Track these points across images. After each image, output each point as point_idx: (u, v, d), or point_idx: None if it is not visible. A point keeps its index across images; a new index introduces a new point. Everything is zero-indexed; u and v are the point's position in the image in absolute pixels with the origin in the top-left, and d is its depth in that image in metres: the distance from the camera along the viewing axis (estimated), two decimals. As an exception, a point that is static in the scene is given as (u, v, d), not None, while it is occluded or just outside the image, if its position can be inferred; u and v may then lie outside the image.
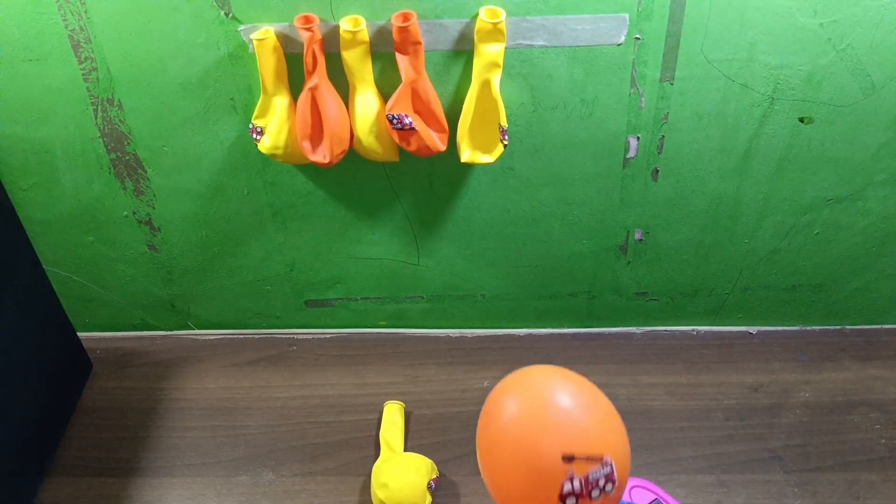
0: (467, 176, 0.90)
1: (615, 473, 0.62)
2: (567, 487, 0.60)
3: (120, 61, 0.80)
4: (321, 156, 0.81)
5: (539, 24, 0.76)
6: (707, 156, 0.87)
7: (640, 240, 0.96)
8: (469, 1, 0.75)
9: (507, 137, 0.81)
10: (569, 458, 0.60)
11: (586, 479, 0.60)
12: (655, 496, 0.80)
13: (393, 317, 1.06)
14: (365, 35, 0.75)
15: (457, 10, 0.76)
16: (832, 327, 1.05)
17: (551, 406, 0.65)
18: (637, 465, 0.89)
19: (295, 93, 0.81)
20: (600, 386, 0.66)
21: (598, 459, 0.60)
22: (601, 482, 0.61)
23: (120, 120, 0.85)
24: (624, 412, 0.65)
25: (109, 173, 0.90)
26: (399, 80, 0.78)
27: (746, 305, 1.03)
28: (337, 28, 0.76)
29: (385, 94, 0.81)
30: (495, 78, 0.77)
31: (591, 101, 0.82)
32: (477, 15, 0.75)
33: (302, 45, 0.76)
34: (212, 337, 1.07)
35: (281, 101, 0.80)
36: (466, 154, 0.82)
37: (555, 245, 0.97)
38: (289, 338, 1.07)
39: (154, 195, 0.92)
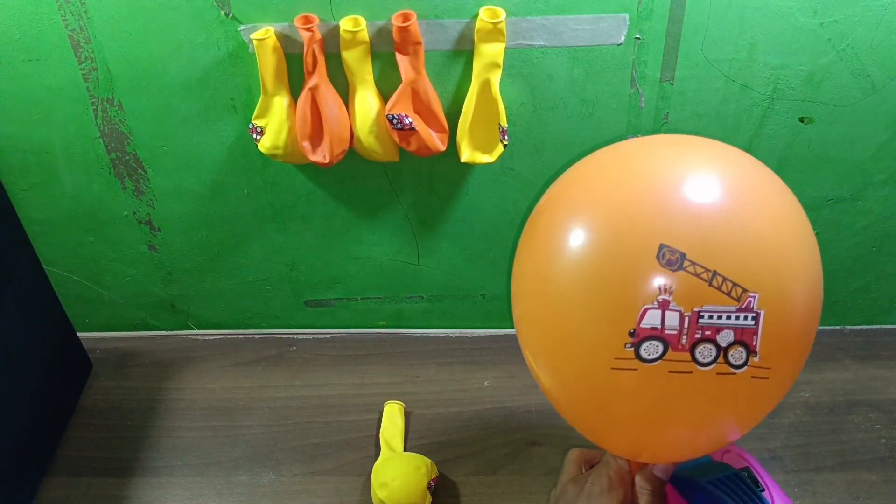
0: (467, 176, 0.90)
1: (758, 340, 0.32)
2: (651, 318, 0.33)
3: (120, 61, 0.80)
4: (321, 156, 0.81)
5: (539, 23, 0.76)
6: (707, 156, 0.87)
7: (640, 240, 0.96)
8: (469, 1, 0.75)
9: (507, 137, 0.81)
10: (672, 260, 0.32)
11: (695, 317, 0.33)
12: (747, 464, 0.76)
13: (393, 317, 1.06)
14: (365, 35, 0.75)
15: (457, 11, 0.76)
16: (832, 327, 1.05)
17: (671, 174, 0.36)
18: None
19: (295, 93, 0.81)
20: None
21: (734, 292, 0.32)
22: (726, 336, 0.33)
23: (120, 120, 0.85)
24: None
25: (109, 173, 0.90)
26: (399, 80, 0.78)
27: (746, 305, 1.03)
28: (337, 28, 0.76)
29: (385, 95, 0.81)
30: (495, 78, 0.77)
31: (591, 101, 0.82)
32: (477, 15, 0.75)
33: (302, 45, 0.76)
34: (212, 337, 1.07)
35: (281, 101, 0.80)
36: (466, 154, 0.82)
37: (555, 245, 0.97)
38: (289, 338, 1.07)
39: (154, 195, 0.92)
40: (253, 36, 0.75)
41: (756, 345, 0.34)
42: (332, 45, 0.77)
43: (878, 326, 1.05)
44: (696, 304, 0.32)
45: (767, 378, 0.36)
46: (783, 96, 0.82)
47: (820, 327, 1.03)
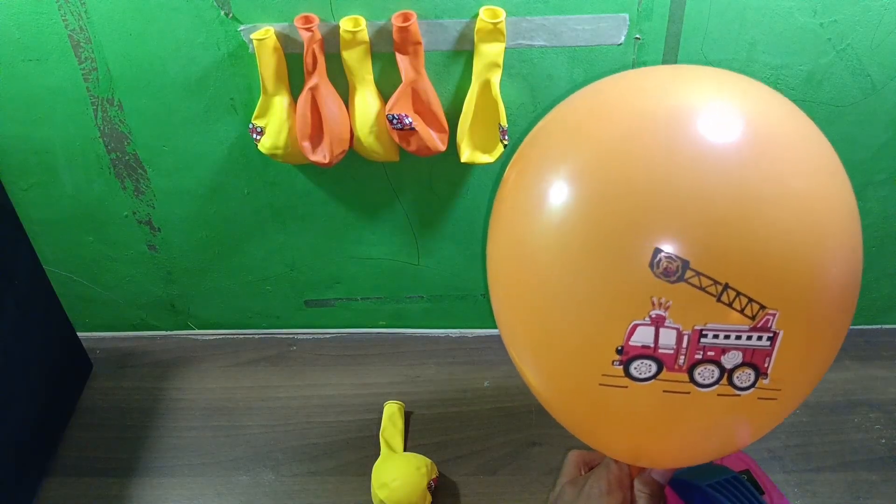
0: (467, 176, 0.90)
1: (771, 362, 0.27)
2: (642, 336, 0.27)
3: (120, 61, 0.80)
4: (321, 156, 0.81)
5: (539, 24, 0.76)
6: (707, 156, 0.87)
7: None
8: (469, 1, 0.75)
9: (507, 137, 0.81)
10: (670, 270, 0.26)
11: (696, 337, 0.26)
12: (747, 466, 0.76)
13: (393, 317, 1.06)
14: (365, 35, 0.75)
15: (457, 11, 0.76)
16: (832, 327, 1.05)
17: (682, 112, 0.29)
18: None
19: (295, 93, 0.81)
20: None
21: (749, 310, 0.25)
22: (732, 358, 0.27)
23: (120, 120, 0.85)
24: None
25: (109, 173, 0.89)
26: (399, 80, 0.78)
27: (746, 305, 1.03)
28: (337, 28, 0.76)
29: (385, 95, 0.81)
30: (495, 78, 0.77)
31: (591, 101, 0.82)
32: (477, 15, 0.75)
33: (302, 45, 0.76)
34: (212, 337, 1.07)
35: (281, 102, 0.80)
36: (466, 154, 0.81)
37: (555, 245, 0.96)
38: (289, 338, 1.07)
39: (154, 195, 0.92)
40: (253, 36, 0.75)
41: (768, 367, 0.27)
42: (332, 45, 0.77)
43: (879, 326, 1.05)
44: (698, 321, 0.25)
45: (776, 399, 0.30)
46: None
47: (820, 327, 1.04)
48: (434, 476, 0.85)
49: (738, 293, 0.25)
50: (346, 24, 0.75)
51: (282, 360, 1.04)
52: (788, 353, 0.27)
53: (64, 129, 0.85)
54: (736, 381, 0.28)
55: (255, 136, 0.81)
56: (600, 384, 0.30)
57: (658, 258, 0.25)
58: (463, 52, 0.79)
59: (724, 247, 0.25)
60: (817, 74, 0.80)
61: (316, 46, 0.76)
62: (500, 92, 0.78)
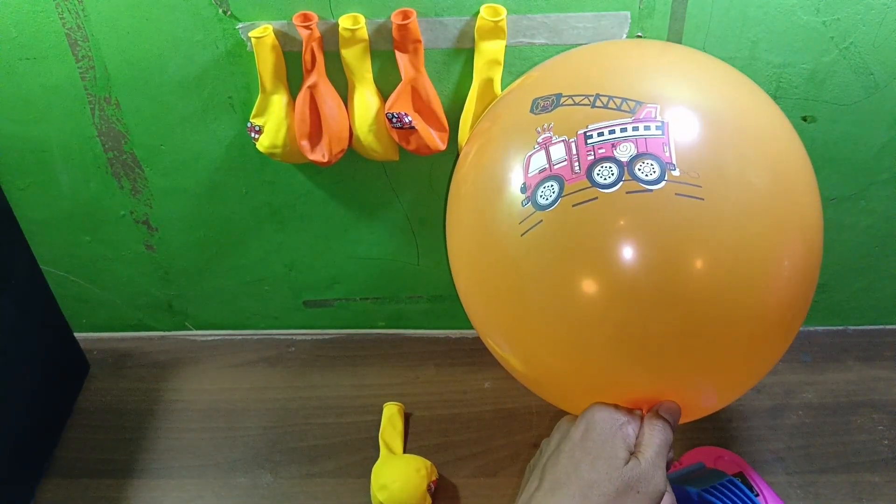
0: (467, 175, 0.89)
1: (672, 150, 0.29)
2: (536, 162, 0.29)
3: (117, 60, 0.80)
4: (320, 155, 0.80)
5: (540, 21, 0.75)
6: (709, 155, 0.87)
7: (642, 240, 0.95)
8: (469, -2, 0.75)
9: (507, 136, 0.80)
10: (546, 106, 0.29)
11: (582, 140, 0.29)
12: (739, 469, 0.76)
13: (392, 317, 1.05)
14: (364, 33, 0.75)
15: (457, 8, 0.75)
16: (835, 328, 1.04)
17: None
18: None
19: (293, 91, 0.80)
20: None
21: (626, 106, 0.27)
22: (626, 150, 0.28)
23: (117, 119, 0.84)
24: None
25: (107, 172, 0.89)
26: (399, 78, 0.77)
27: (748, 306, 1.02)
28: (336, 26, 0.75)
29: (384, 93, 0.80)
30: (496, 76, 0.77)
31: (593, 100, 0.82)
32: (477, 13, 0.74)
33: (300, 43, 0.75)
34: (210, 338, 1.07)
35: (279, 100, 0.79)
36: (466, 153, 0.81)
37: (555, 245, 0.96)
38: (287, 338, 1.06)
39: (151, 194, 0.91)
40: (251, 34, 0.75)
41: (671, 156, 0.29)
42: (331, 43, 0.77)
43: (882, 327, 1.04)
44: (580, 127, 0.29)
45: (703, 200, 0.30)
46: (786, 95, 0.81)
47: (823, 327, 1.03)
48: (434, 478, 0.85)
49: (611, 97, 0.29)
50: (345, 22, 0.74)
51: (280, 360, 1.03)
52: (691, 141, 0.28)
53: (61, 128, 0.85)
54: (639, 174, 0.29)
55: (253, 134, 0.81)
56: (521, 235, 0.32)
57: (535, 103, 0.30)
58: (463, 49, 0.78)
59: (588, 73, 0.31)
60: (820, 73, 0.79)
61: (315, 44, 0.75)
62: (502, 90, 0.78)
